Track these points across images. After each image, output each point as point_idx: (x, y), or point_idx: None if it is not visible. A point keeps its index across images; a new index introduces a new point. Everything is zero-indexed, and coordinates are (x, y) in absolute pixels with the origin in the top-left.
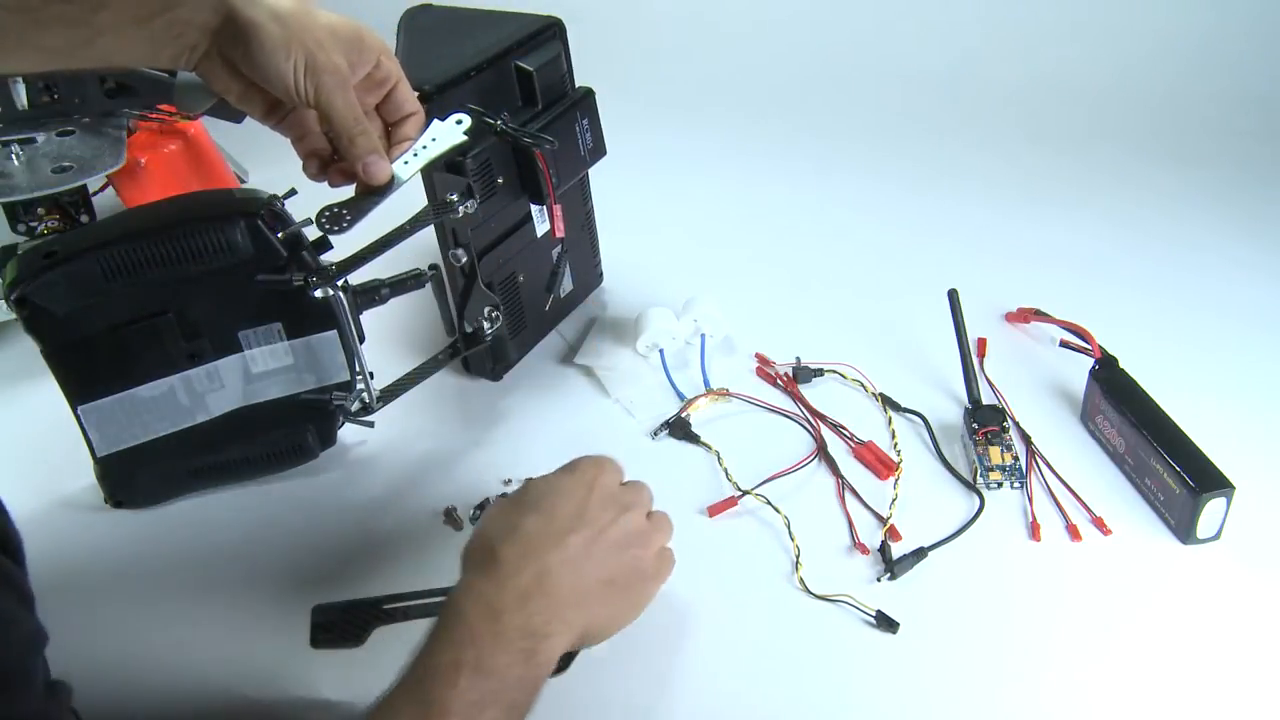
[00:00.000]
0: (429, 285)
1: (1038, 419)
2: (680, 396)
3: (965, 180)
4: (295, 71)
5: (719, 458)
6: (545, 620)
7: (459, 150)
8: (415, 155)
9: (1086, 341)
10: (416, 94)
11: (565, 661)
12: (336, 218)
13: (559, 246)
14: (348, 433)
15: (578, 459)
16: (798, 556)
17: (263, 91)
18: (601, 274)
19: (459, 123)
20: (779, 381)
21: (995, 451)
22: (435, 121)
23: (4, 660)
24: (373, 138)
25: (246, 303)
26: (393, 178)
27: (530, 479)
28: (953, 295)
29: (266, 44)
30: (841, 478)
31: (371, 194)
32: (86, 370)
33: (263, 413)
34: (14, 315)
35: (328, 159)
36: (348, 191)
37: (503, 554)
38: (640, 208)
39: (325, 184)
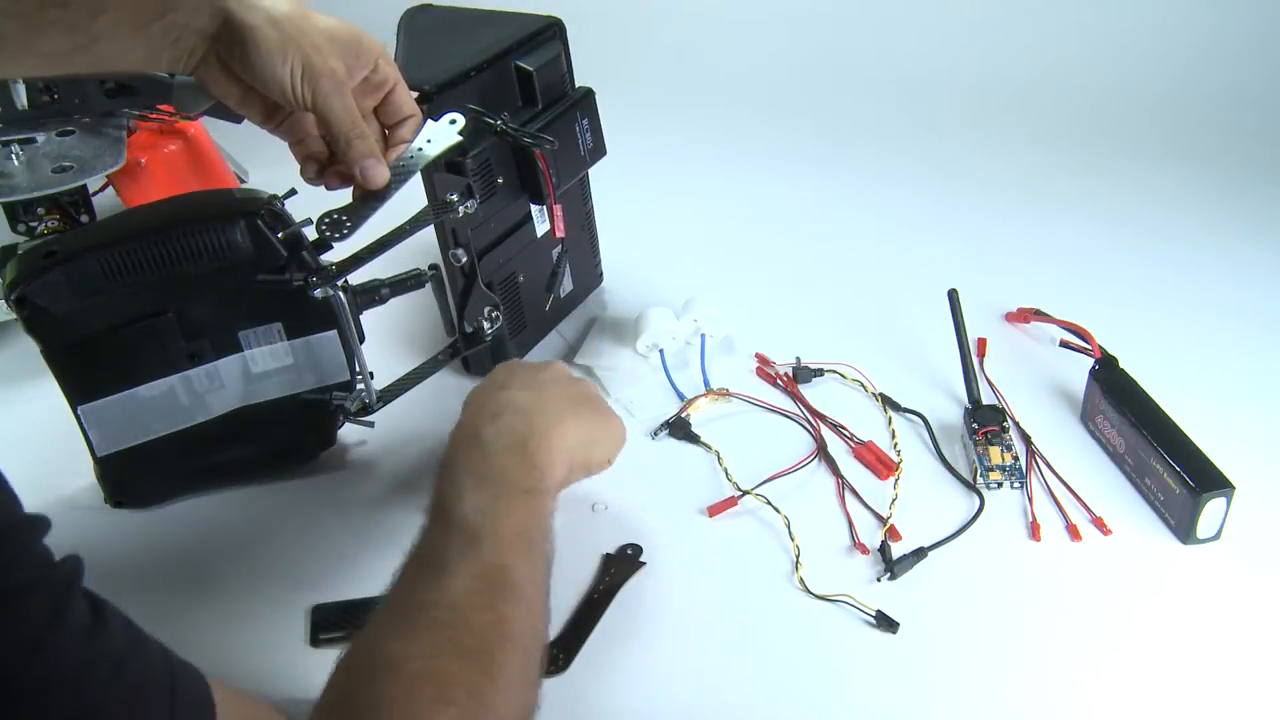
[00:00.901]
0: (429, 285)
1: (1038, 419)
2: (680, 396)
3: (965, 180)
4: (292, 76)
5: (719, 458)
6: (524, 424)
7: (457, 149)
8: (412, 158)
9: (1086, 341)
10: (416, 94)
11: (565, 660)
12: (337, 224)
13: (559, 246)
14: (348, 433)
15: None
16: (798, 556)
17: (261, 95)
18: (601, 274)
19: (453, 122)
20: (779, 381)
21: (995, 451)
22: (429, 122)
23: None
24: (370, 141)
25: (246, 303)
26: (390, 182)
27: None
28: (953, 295)
29: (263, 48)
30: (841, 478)
31: (370, 199)
32: (86, 370)
33: (263, 413)
34: (14, 315)
35: (325, 162)
36: (346, 196)
37: (469, 414)
38: (640, 208)
39: (323, 187)
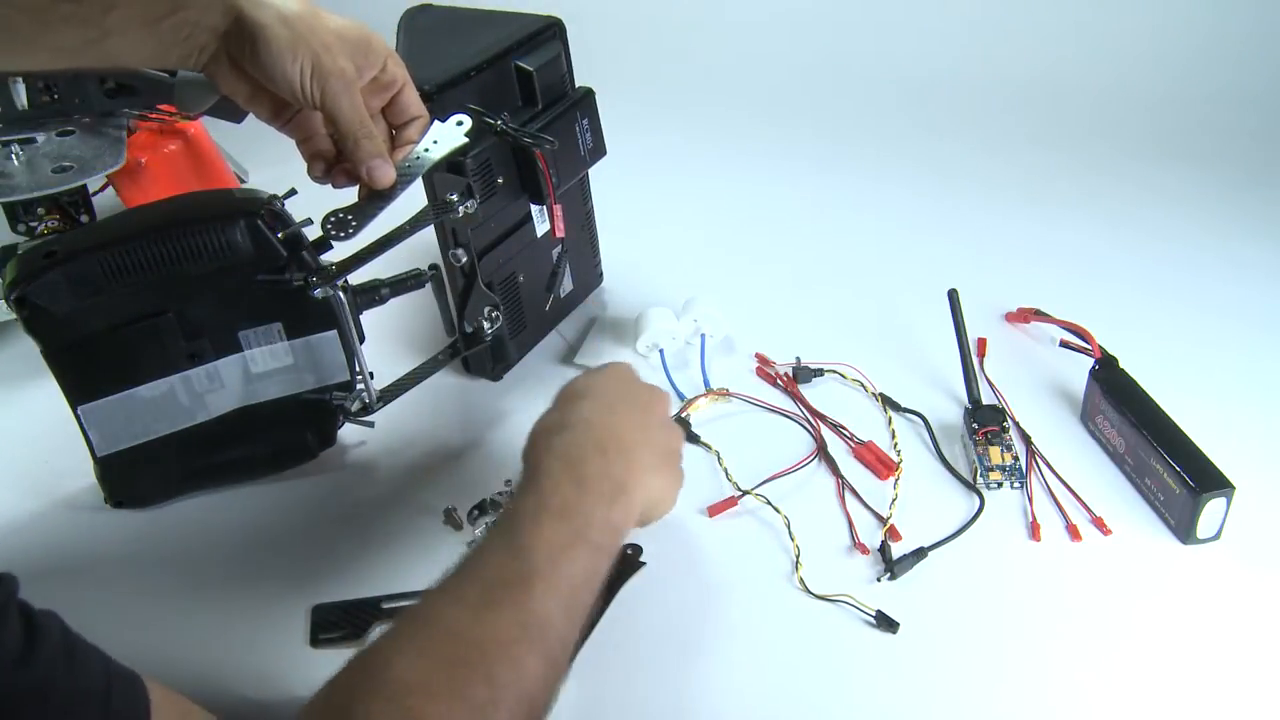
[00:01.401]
0: (429, 285)
1: (1038, 419)
2: (680, 396)
3: (965, 180)
4: (302, 74)
5: (719, 458)
6: (624, 469)
7: (461, 151)
8: (418, 158)
9: (1086, 341)
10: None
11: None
12: (342, 224)
13: (559, 246)
14: (348, 433)
15: (604, 365)
16: (798, 556)
17: (270, 93)
18: (601, 274)
19: (459, 124)
20: (779, 381)
21: (995, 451)
22: (436, 123)
23: None
24: (378, 141)
25: (246, 303)
26: (396, 182)
27: (567, 384)
28: (953, 295)
29: (273, 46)
30: (841, 478)
31: (376, 198)
32: (86, 370)
33: (263, 413)
34: (14, 315)
35: (332, 161)
36: (351, 195)
37: (571, 420)
38: (640, 208)
39: (328, 185)
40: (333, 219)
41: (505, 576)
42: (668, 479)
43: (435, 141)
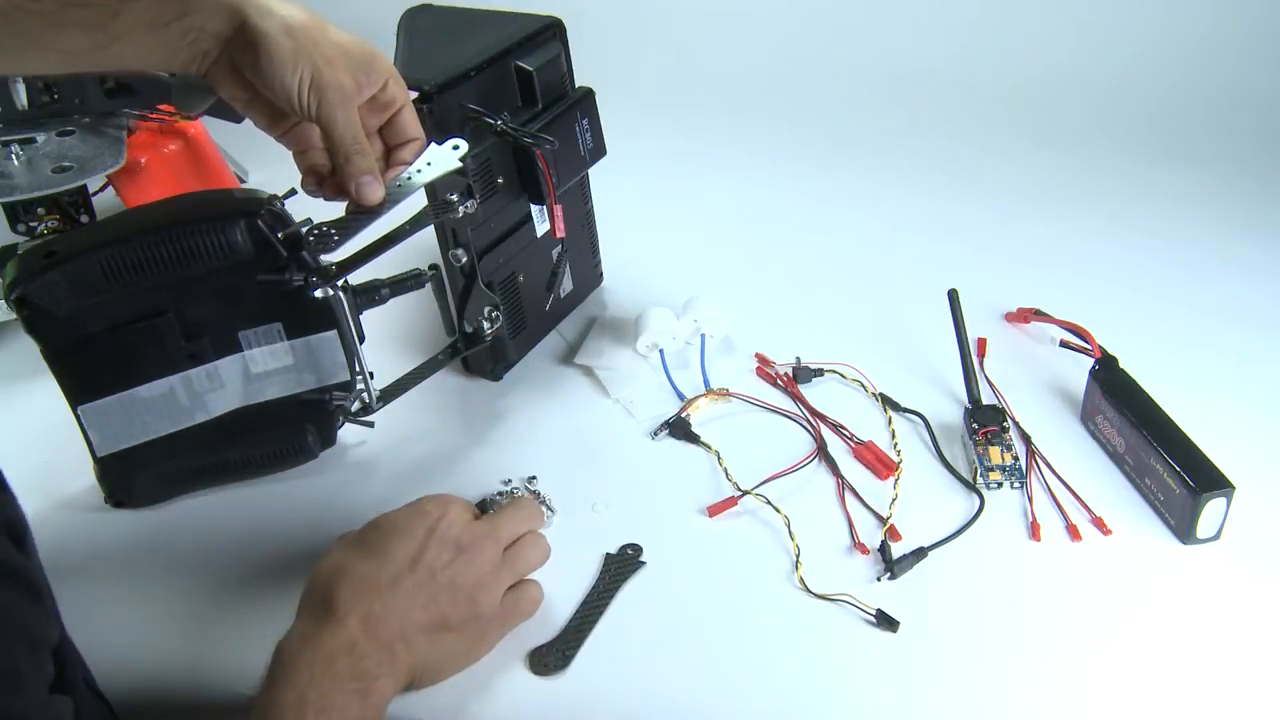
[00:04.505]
0: (429, 285)
1: (1038, 419)
2: (680, 396)
3: (965, 180)
4: (300, 85)
5: (719, 458)
6: (374, 663)
7: (453, 175)
8: (409, 179)
9: (1086, 341)
10: (416, 94)
11: (565, 660)
12: (324, 237)
13: (559, 246)
14: (348, 433)
15: (424, 497)
16: (798, 556)
17: (268, 101)
18: (601, 274)
19: (455, 148)
20: (779, 381)
21: (995, 451)
22: (432, 145)
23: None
24: (369, 158)
25: (246, 303)
26: (384, 200)
27: (376, 518)
28: (953, 295)
29: (275, 56)
30: (841, 478)
31: (361, 214)
32: (86, 370)
33: (263, 413)
34: (14, 315)
35: (326, 175)
36: (338, 208)
37: (336, 599)
38: (640, 208)
39: (321, 198)
40: (316, 231)
41: None
42: (448, 645)
43: (429, 164)
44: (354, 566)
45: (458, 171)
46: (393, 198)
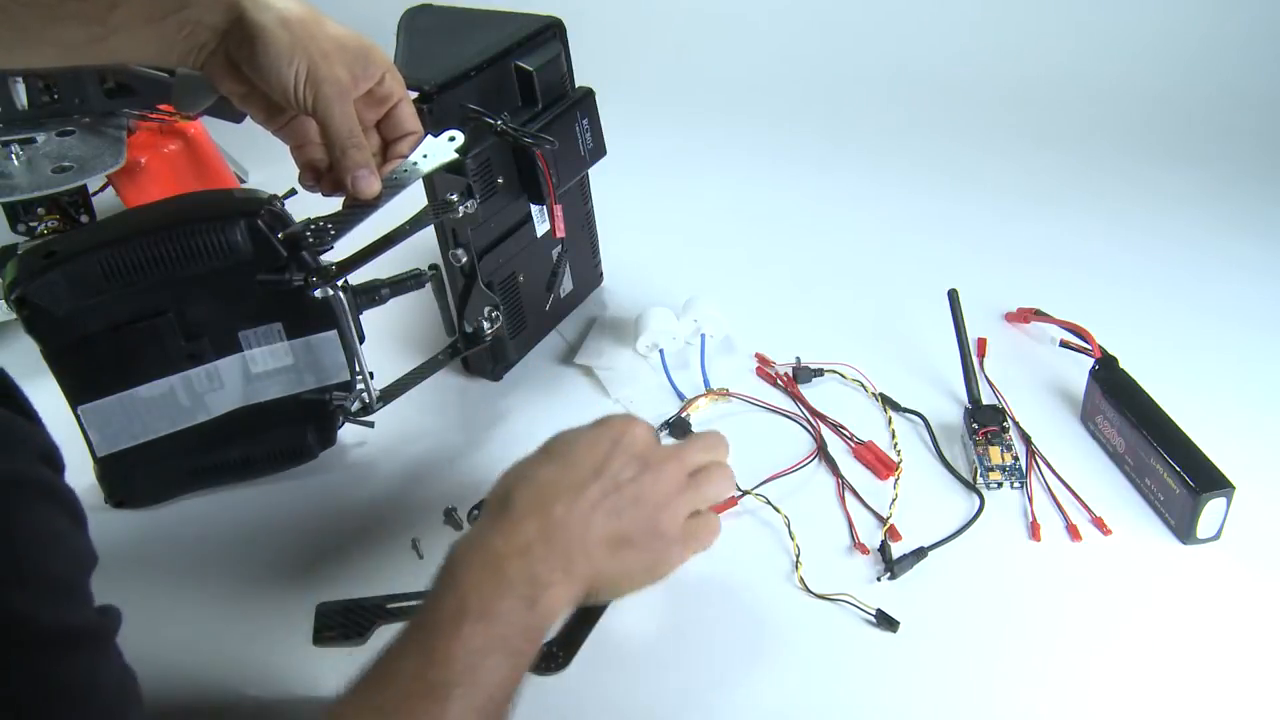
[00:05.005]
0: (429, 285)
1: (1038, 419)
2: (680, 396)
3: (965, 180)
4: (296, 78)
5: None
6: (548, 569)
7: (450, 167)
8: (406, 171)
9: (1086, 341)
10: (416, 94)
11: (565, 660)
12: (321, 232)
13: (559, 246)
14: (348, 433)
15: (611, 415)
16: (798, 556)
17: (264, 95)
18: (601, 274)
19: (451, 139)
20: (779, 381)
21: (995, 451)
22: (429, 137)
23: (57, 571)
24: (365, 152)
25: (246, 303)
26: (380, 194)
27: (561, 431)
28: (953, 295)
29: (271, 49)
30: (841, 478)
31: (357, 209)
32: (86, 370)
33: (263, 413)
34: (14, 315)
35: (323, 170)
36: (337, 203)
37: (514, 501)
38: (640, 208)
39: (319, 193)
40: (312, 226)
41: (421, 686)
42: (627, 560)
43: (425, 155)
44: (537, 472)
45: (454, 163)
46: (390, 191)
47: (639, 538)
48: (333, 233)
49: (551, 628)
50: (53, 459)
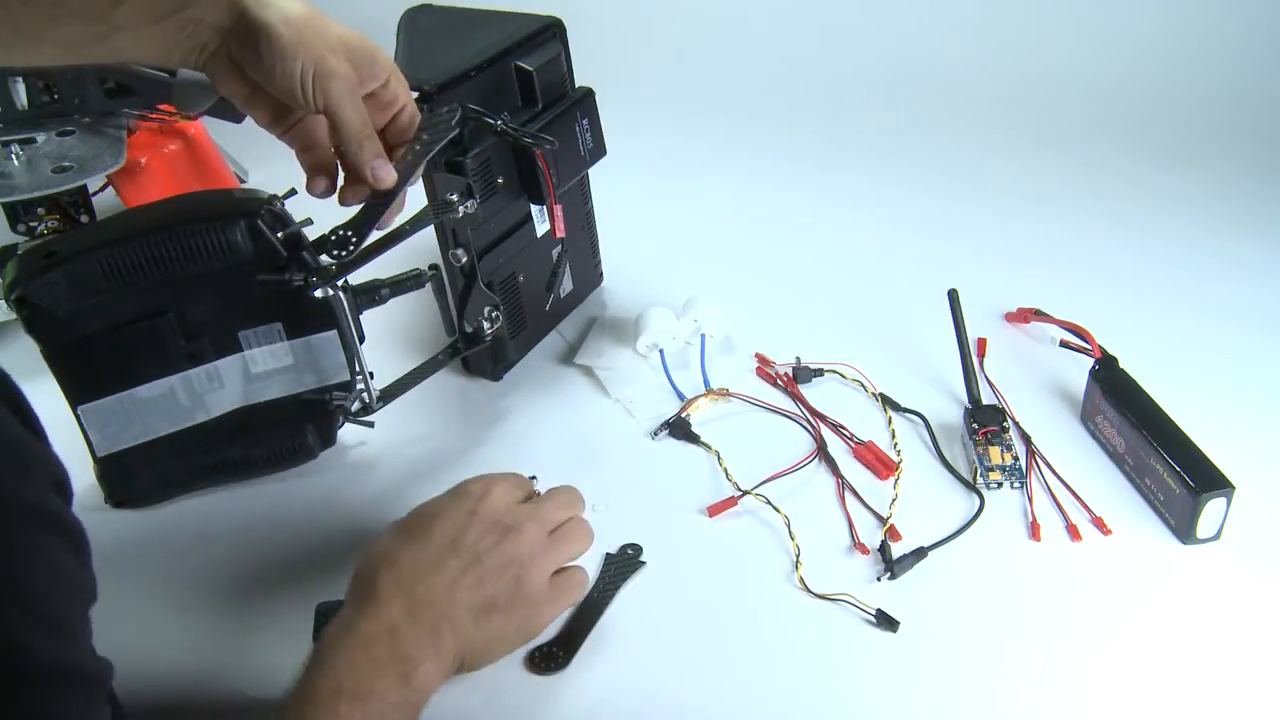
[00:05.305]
0: (429, 285)
1: (1038, 419)
2: (680, 396)
3: (965, 180)
4: (303, 76)
5: (719, 458)
6: (418, 647)
7: (452, 142)
8: (410, 157)
9: (1086, 341)
10: (417, 94)
11: (565, 660)
12: (343, 240)
13: (559, 246)
14: (348, 433)
15: (467, 480)
16: (798, 556)
17: (269, 97)
18: (601, 274)
19: (447, 111)
20: (779, 381)
21: (995, 451)
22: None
23: (57, 606)
24: (378, 143)
25: (246, 303)
26: (395, 185)
27: (420, 505)
28: (953, 295)
29: (276, 47)
30: (841, 478)
31: (371, 210)
32: (86, 370)
33: (263, 413)
34: (14, 315)
35: (334, 173)
36: (343, 212)
37: (378, 585)
38: (640, 208)
39: (335, 201)
40: (333, 237)
41: None
42: (495, 628)
43: (425, 136)
44: (397, 551)
45: (456, 138)
46: (403, 178)
47: (505, 603)
48: (354, 240)
49: (426, 702)
50: (63, 487)
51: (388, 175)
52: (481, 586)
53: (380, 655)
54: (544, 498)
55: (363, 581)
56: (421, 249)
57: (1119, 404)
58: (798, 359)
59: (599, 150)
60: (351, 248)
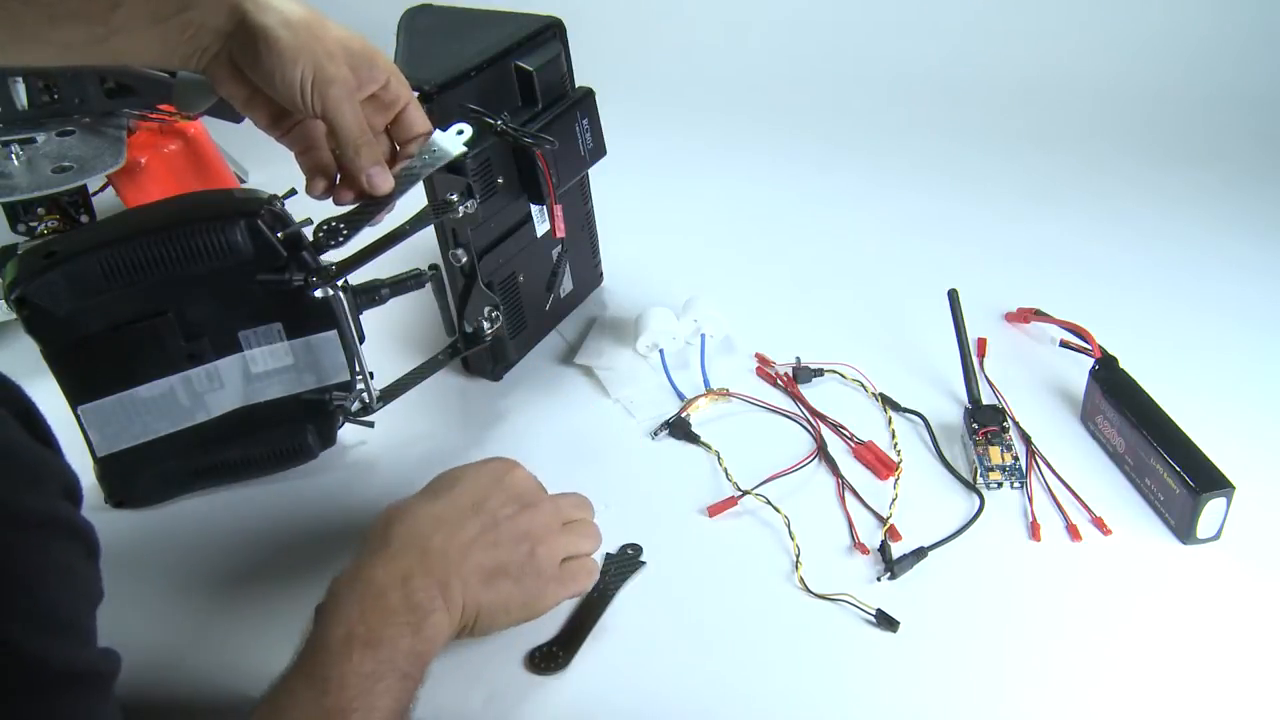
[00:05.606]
0: (429, 285)
1: (1038, 419)
2: (680, 396)
3: (965, 180)
4: (303, 80)
5: (719, 458)
6: (429, 596)
7: (458, 160)
8: (414, 167)
9: (1086, 341)
10: (417, 94)
11: (565, 659)
12: (333, 232)
13: (559, 246)
14: (348, 433)
15: (493, 457)
16: (798, 556)
17: (268, 100)
18: (601, 274)
19: (460, 133)
20: (779, 381)
21: (995, 451)
22: (436, 132)
23: (67, 610)
24: (376, 150)
25: (246, 303)
26: (393, 190)
27: (443, 471)
28: (953, 295)
29: (275, 50)
30: (841, 478)
31: (368, 208)
32: (86, 370)
33: (263, 413)
34: (14, 315)
35: (333, 175)
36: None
37: (393, 535)
38: (640, 208)
39: (330, 202)
40: (324, 228)
41: (317, 713)
42: (504, 593)
43: (434, 150)
44: (417, 507)
45: (460, 157)
46: (400, 187)
47: (515, 571)
48: (345, 233)
49: (436, 655)
50: (74, 493)
51: (384, 183)
52: (496, 550)
53: (392, 603)
54: (560, 494)
55: (377, 532)
56: (421, 249)
57: (1119, 404)
58: (798, 359)
59: (599, 150)
60: (341, 239)
